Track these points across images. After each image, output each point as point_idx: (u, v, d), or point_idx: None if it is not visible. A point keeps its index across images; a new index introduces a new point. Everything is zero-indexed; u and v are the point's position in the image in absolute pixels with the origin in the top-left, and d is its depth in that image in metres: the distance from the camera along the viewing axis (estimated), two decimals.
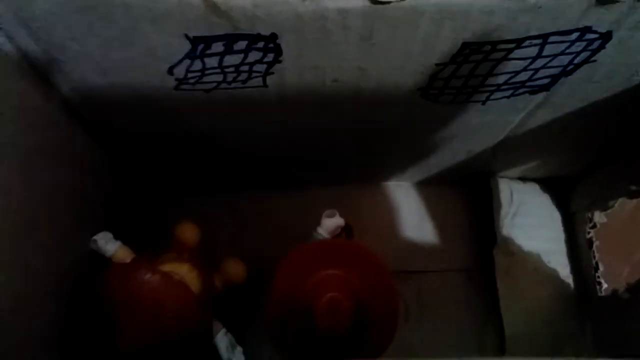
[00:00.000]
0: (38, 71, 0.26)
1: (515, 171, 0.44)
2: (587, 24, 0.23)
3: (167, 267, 0.32)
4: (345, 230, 0.34)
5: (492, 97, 0.30)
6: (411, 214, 0.47)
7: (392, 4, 0.21)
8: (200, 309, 0.32)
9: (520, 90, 0.29)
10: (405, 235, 0.46)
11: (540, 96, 0.30)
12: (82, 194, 0.33)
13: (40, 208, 0.28)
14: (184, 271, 0.33)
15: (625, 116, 0.32)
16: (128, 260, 0.31)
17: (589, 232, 0.42)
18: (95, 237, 0.32)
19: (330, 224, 0.32)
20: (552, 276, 0.44)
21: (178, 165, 0.40)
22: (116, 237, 0.33)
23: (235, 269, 0.39)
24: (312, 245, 0.31)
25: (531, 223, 0.44)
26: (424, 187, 0.48)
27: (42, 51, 0.24)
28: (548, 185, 0.46)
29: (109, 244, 0.32)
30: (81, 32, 0.23)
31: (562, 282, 0.43)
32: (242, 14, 0.22)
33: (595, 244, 0.42)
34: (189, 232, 0.38)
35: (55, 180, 0.29)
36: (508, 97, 0.30)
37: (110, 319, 0.29)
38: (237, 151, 0.37)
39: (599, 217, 0.42)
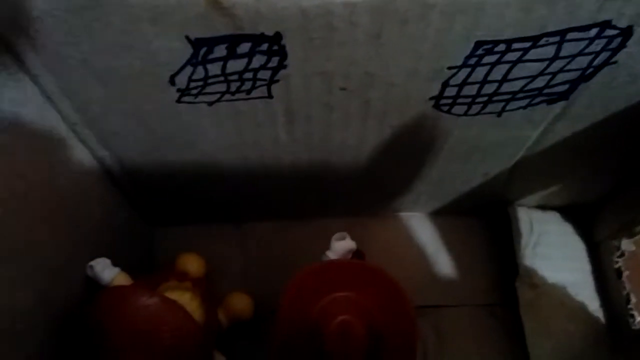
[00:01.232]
0: (38, 86, 0.26)
1: (534, 198, 0.43)
2: (607, 17, 0.22)
3: (167, 295, 0.30)
4: (357, 256, 0.32)
5: (508, 107, 0.28)
6: (426, 246, 0.45)
7: None
8: (202, 340, 0.29)
9: (538, 99, 0.28)
10: (420, 268, 0.44)
11: (558, 106, 0.29)
12: (80, 218, 0.31)
13: (35, 229, 0.26)
14: (185, 300, 0.31)
15: None
16: None
17: (617, 262, 0.40)
18: (91, 263, 0.30)
19: (340, 247, 0.30)
20: (581, 310, 0.41)
21: (182, 192, 0.38)
22: (115, 266, 0.32)
23: (241, 303, 0.38)
24: (322, 265, 0.29)
25: (554, 253, 0.42)
26: (439, 217, 0.46)
27: (39, 60, 0.24)
28: (569, 213, 0.44)
29: (106, 271, 0.30)
30: (80, 36, 0.22)
31: (591, 316, 0.41)
32: (244, 11, 0.21)
33: (625, 274, 0.39)
34: (193, 264, 0.37)
35: (52, 201, 0.28)
36: (524, 107, 0.29)
37: (104, 347, 0.27)
38: (243, 176, 0.36)
39: (626, 244, 0.40)
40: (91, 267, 0.30)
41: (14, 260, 0.24)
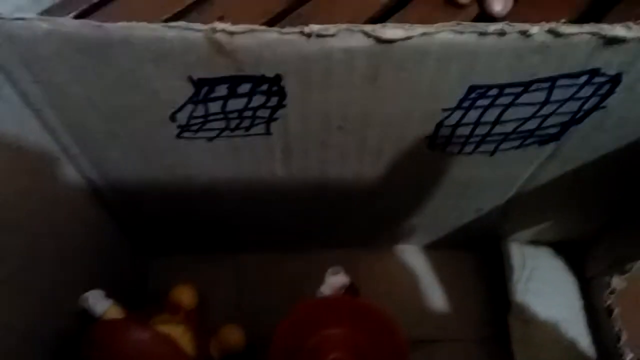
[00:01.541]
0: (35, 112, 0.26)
1: (527, 234, 0.43)
2: (596, 65, 0.23)
3: (159, 328, 0.30)
4: (351, 291, 0.32)
5: (501, 147, 0.29)
6: (419, 279, 0.45)
7: (397, 43, 0.21)
8: None
9: (530, 140, 0.29)
10: (414, 302, 0.44)
11: (550, 147, 0.29)
12: (73, 249, 0.31)
13: (24, 261, 0.26)
14: (177, 333, 0.31)
15: (638, 169, 0.32)
16: None
17: (607, 299, 0.40)
18: (85, 295, 0.30)
19: (334, 281, 0.31)
20: (572, 346, 0.41)
21: (177, 222, 0.38)
22: (109, 297, 0.31)
23: (233, 335, 0.38)
24: (314, 302, 0.29)
25: (546, 289, 0.42)
26: (433, 251, 0.46)
27: (42, 95, 0.24)
28: (561, 249, 0.44)
29: (99, 303, 0.30)
30: (84, 74, 0.23)
31: (582, 353, 0.41)
32: (246, 54, 0.22)
33: (616, 311, 0.39)
34: (186, 296, 0.37)
35: (43, 231, 0.28)
36: (517, 147, 0.29)
37: None
38: (239, 208, 0.36)
39: (617, 282, 0.40)
40: (85, 298, 0.30)
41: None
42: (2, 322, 0.24)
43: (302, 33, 0.21)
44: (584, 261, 0.43)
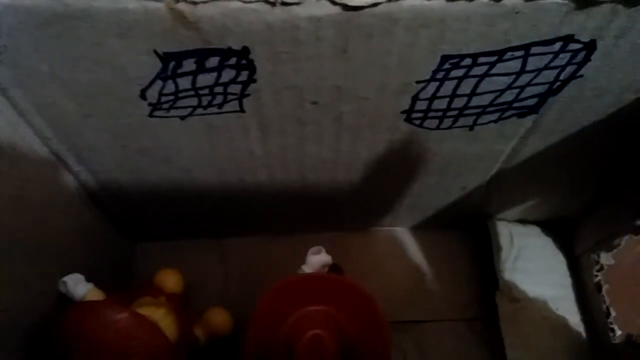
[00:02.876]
0: (9, 100, 0.26)
1: (514, 212, 0.43)
2: (569, 32, 0.22)
3: (140, 310, 0.29)
4: (334, 270, 0.32)
5: (479, 121, 0.29)
6: (407, 261, 0.45)
7: (365, 10, 0.21)
8: (174, 355, 0.29)
9: (508, 113, 0.28)
10: (401, 284, 0.44)
11: (529, 120, 0.29)
12: (55, 233, 0.31)
13: (3, 241, 0.26)
14: (159, 316, 0.30)
15: (621, 142, 0.31)
16: None
17: (596, 276, 0.40)
18: (64, 279, 0.30)
19: (316, 260, 0.30)
20: (562, 324, 0.41)
21: (160, 207, 0.38)
22: (93, 282, 0.31)
23: (219, 319, 0.37)
24: (295, 278, 0.29)
25: (535, 267, 0.42)
26: (420, 232, 0.46)
27: (9, 74, 0.24)
28: (549, 227, 0.44)
29: (78, 286, 0.30)
30: (48, 51, 0.22)
31: (572, 330, 0.40)
32: (211, 25, 0.21)
33: (605, 287, 0.39)
34: (169, 279, 0.36)
35: (24, 215, 0.28)
36: (496, 120, 0.29)
37: None
38: (221, 191, 0.36)
39: (605, 258, 0.40)
40: (64, 282, 0.30)
41: None
42: None
43: (266, 1, 0.20)
44: (572, 239, 0.43)
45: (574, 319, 0.41)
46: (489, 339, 0.41)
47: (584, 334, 0.40)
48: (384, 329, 0.28)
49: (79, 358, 0.26)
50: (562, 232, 0.44)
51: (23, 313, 0.28)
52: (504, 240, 0.42)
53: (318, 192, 0.37)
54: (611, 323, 0.38)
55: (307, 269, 0.31)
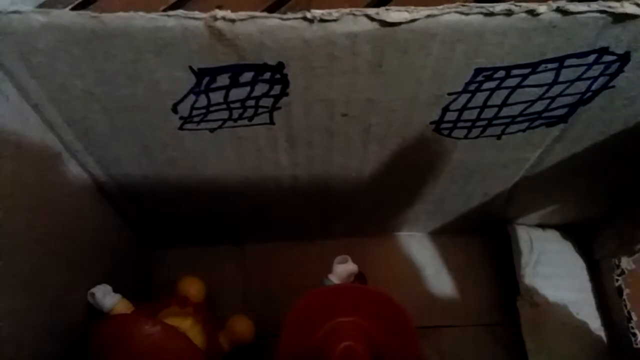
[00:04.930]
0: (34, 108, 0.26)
1: (534, 217, 0.43)
2: (604, 44, 0.22)
3: (168, 321, 0.30)
4: (359, 279, 0.32)
5: (508, 130, 0.29)
6: (426, 266, 0.45)
7: (401, 26, 0.21)
8: None
9: (537, 122, 0.28)
10: (421, 289, 0.44)
11: (557, 129, 0.29)
12: (77, 241, 0.31)
13: (33, 258, 0.26)
14: (186, 326, 0.30)
15: None
16: None
17: (617, 280, 0.40)
18: (92, 290, 0.30)
19: (342, 270, 0.30)
20: (582, 329, 0.41)
21: (182, 214, 0.38)
22: (115, 291, 0.31)
23: (242, 326, 0.37)
24: (324, 290, 0.29)
25: (555, 272, 0.42)
26: (439, 236, 0.46)
27: (42, 90, 0.24)
28: (569, 231, 0.44)
29: (107, 298, 0.30)
30: (83, 67, 0.22)
31: (593, 335, 0.40)
32: (248, 42, 0.21)
33: (625, 292, 0.39)
34: (193, 288, 0.37)
35: (49, 226, 0.28)
36: (524, 130, 0.29)
37: None
38: (244, 198, 0.36)
39: (626, 263, 0.40)
40: (92, 294, 0.30)
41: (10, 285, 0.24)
42: (17, 316, 0.24)
43: (304, 18, 0.20)
44: (592, 243, 0.43)
45: (595, 324, 0.41)
46: (509, 344, 0.41)
47: (604, 339, 0.40)
48: (414, 339, 0.28)
49: None
50: (582, 236, 0.44)
51: (52, 324, 0.28)
52: (524, 245, 0.42)
53: (341, 200, 0.37)
54: (632, 327, 0.38)
55: (333, 278, 0.31)
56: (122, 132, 0.27)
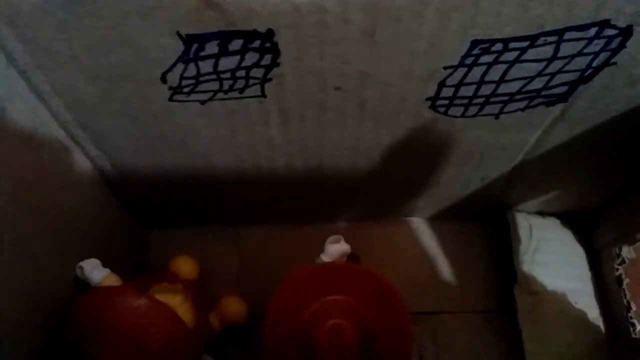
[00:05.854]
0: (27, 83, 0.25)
1: (533, 204, 0.42)
2: (605, 16, 0.22)
3: (157, 297, 0.29)
4: (352, 259, 0.32)
5: (506, 109, 0.28)
6: (424, 251, 0.44)
7: None
8: (192, 343, 0.29)
9: (536, 101, 0.27)
10: (418, 274, 0.43)
11: (557, 108, 0.28)
12: (71, 218, 0.31)
13: (23, 227, 0.26)
14: (176, 302, 0.30)
15: None
16: None
17: (617, 269, 0.39)
18: (81, 264, 0.30)
19: (334, 250, 0.30)
20: (581, 318, 0.40)
21: (177, 194, 0.38)
22: (107, 267, 0.31)
23: (234, 307, 0.37)
24: (314, 267, 0.28)
25: (554, 260, 0.41)
26: (437, 222, 0.45)
27: (29, 55, 0.23)
28: (569, 219, 0.43)
29: (95, 272, 0.30)
30: (70, 31, 0.22)
31: (591, 324, 0.40)
32: (236, 7, 0.21)
33: (625, 281, 0.39)
34: (185, 265, 0.36)
35: (41, 199, 0.27)
36: (523, 109, 0.28)
37: (91, 348, 0.26)
38: (238, 178, 0.35)
39: (627, 252, 0.39)
40: (80, 267, 0.30)
41: (1, 260, 0.24)
42: (6, 291, 0.24)
43: None
44: (593, 232, 0.42)
45: (593, 313, 0.40)
46: (505, 331, 0.41)
47: (603, 328, 0.40)
48: (405, 319, 0.27)
49: (97, 344, 0.26)
50: (582, 224, 0.43)
51: (39, 296, 0.27)
52: (523, 232, 0.42)
53: (336, 181, 0.36)
54: (631, 317, 0.37)
55: (325, 258, 0.30)
56: (111, 102, 0.27)
